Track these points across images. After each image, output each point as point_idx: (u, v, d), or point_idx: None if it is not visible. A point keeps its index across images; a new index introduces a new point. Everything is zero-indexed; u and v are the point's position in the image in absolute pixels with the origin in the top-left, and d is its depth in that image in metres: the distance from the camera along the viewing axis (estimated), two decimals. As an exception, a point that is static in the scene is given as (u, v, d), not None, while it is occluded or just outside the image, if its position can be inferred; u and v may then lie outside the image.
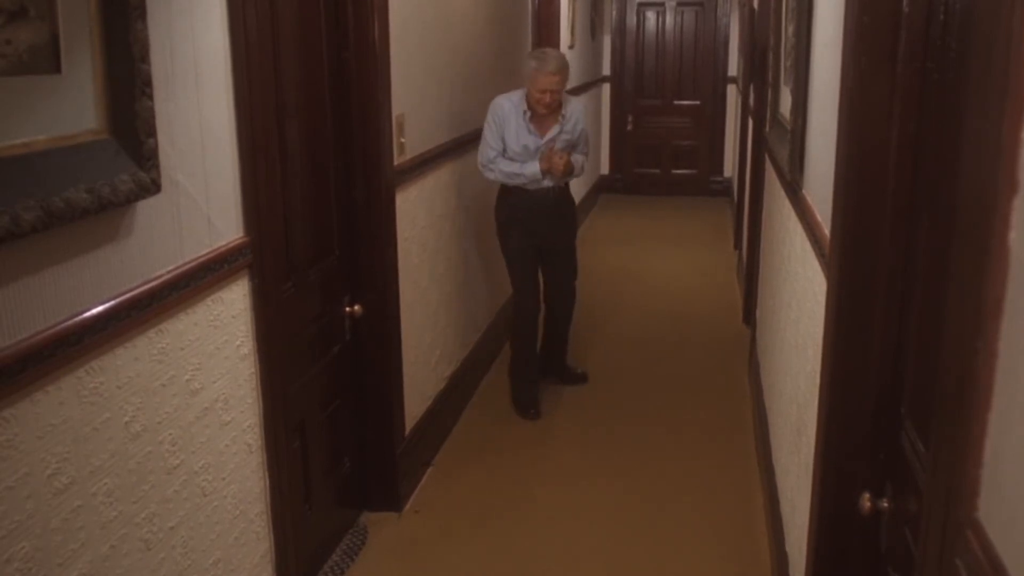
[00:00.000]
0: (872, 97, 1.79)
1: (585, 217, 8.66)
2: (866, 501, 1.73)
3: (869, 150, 1.81)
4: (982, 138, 0.91)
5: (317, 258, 3.01)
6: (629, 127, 10.10)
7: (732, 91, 9.68)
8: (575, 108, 4.34)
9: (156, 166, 1.80)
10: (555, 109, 4.18)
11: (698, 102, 10.03)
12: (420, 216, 3.73)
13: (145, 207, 1.85)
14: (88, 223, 1.67)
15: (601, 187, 9.89)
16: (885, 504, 1.74)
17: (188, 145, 2.01)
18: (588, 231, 8.41)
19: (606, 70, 9.99)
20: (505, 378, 4.91)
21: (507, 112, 4.17)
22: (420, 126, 3.65)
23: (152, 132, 1.78)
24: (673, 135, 10.14)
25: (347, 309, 3.24)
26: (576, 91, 8.04)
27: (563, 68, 4.08)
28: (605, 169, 10.14)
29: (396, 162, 3.36)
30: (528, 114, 4.15)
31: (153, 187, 1.80)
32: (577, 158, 4.33)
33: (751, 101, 5.98)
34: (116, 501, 1.80)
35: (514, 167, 4.19)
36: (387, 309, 3.35)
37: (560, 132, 4.22)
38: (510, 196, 4.31)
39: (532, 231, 4.32)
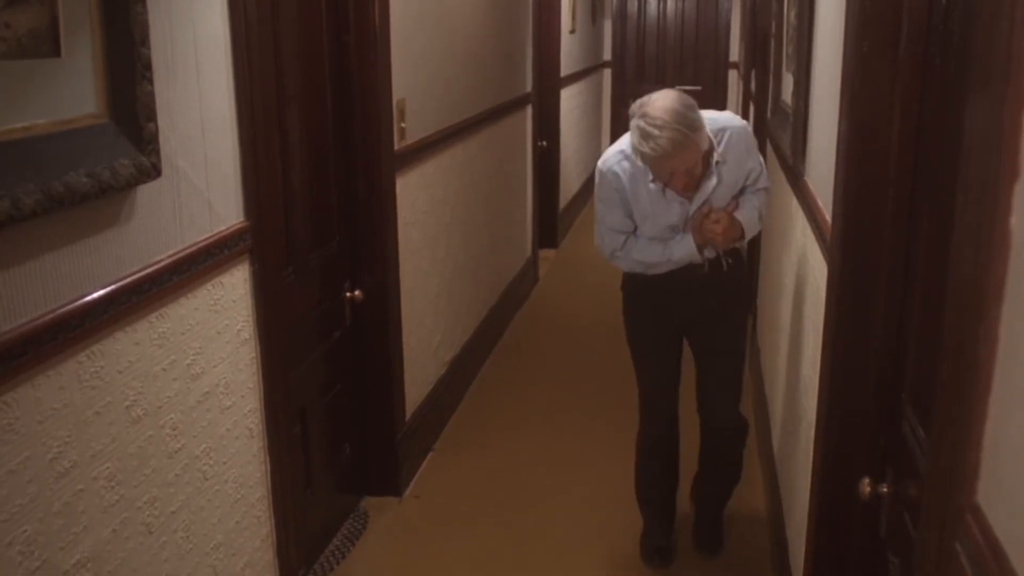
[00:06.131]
0: (874, 83, 1.79)
1: (585, 204, 8.65)
2: (866, 486, 1.73)
3: (871, 136, 1.80)
4: (984, 123, 0.91)
5: (317, 243, 3.01)
6: (630, 113, 10.07)
7: (733, 76, 9.65)
8: (733, 136, 2.72)
9: (156, 150, 1.80)
10: (699, 176, 2.67)
11: (699, 87, 9.99)
12: (421, 201, 3.72)
13: (145, 191, 1.84)
14: (88, 207, 1.67)
15: (602, 173, 9.87)
16: (885, 489, 1.75)
17: (188, 129, 2.01)
18: (587, 218, 8.40)
19: (607, 55, 9.97)
20: (507, 363, 4.92)
21: (628, 181, 2.72)
22: (421, 111, 3.64)
23: (152, 116, 1.78)
24: (674, 121, 10.11)
25: (347, 294, 3.24)
26: (577, 77, 8.03)
27: (682, 143, 2.49)
28: (606, 155, 10.13)
29: (397, 147, 3.35)
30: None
31: (153, 171, 1.80)
32: (749, 210, 2.76)
33: (752, 87, 5.96)
34: (117, 485, 1.81)
35: (655, 251, 2.76)
36: (387, 294, 3.35)
37: (718, 184, 2.70)
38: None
39: (668, 315, 2.94)
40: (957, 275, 0.99)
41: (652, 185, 2.67)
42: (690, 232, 2.73)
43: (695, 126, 2.51)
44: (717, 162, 2.67)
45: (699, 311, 2.91)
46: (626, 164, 2.71)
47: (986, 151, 0.89)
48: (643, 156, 2.55)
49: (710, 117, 2.66)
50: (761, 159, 2.83)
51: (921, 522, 1.07)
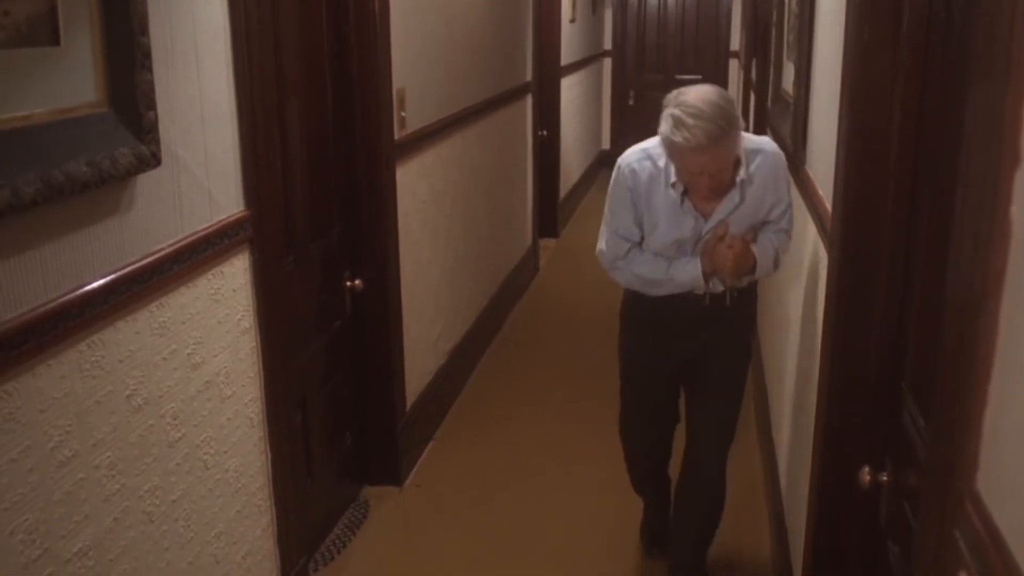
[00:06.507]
0: (875, 71, 1.79)
1: (585, 194, 8.65)
2: (866, 475, 1.74)
3: (872, 125, 1.80)
4: (985, 111, 0.91)
5: (318, 232, 3.01)
6: (631, 102, 10.06)
7: (734, 65, 9.64)
8: (766, 161, 2.52)
9: (156, 139, 1.80)
10: (725, 185, 2.48)
11: (700, 76, 9.97)
12: (421, 190, 3.72)
13: (145, 180, 1.84)
14: (89, 196, 1.67)
15: (602, 162, 9.85)
16: (885, 478, 1.75)
17: (188, 119, 2.01)
18: (587, 207, 8.40)
19: (607, 44, 9.94)
20: (507, 353, 4.92)
21: (646, 181, 2.52)
22: (421, 100, 3.63)
23: (152, 105, 1.78)
24: (675, 110, 10.08)
25: (348, 284, 3.24)
26: (577, 66, 8.01)
27: (719, 136, 2.28)
28: (606, 144, 10.11)
29: (397, 136, 3.35)
30: (682, 188, 2.48)
31: (153, 160, 1.80)
32: (766, 246, 2.56)
33: (753, 76, 5.95)
34: (119, 474, 1.81)
35: (658, 268, 2.56)
36: (388, 284, 3.35)
37: (740, 204, 2.50)
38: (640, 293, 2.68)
39: (666, 347, 2.72)
40: (957, 264, 0.99)
41: (671, 191, 2.48)
42: (699, 256, 2.52)
43: (733, 122, 2.31)
44: (742, 180, 2.46)
45: (697, 346, 2.67)
46: (647, 163, 2.51)
47: (987, 139, 0.89)
48: (673, 146, 2.32)
49: (746, 137, 2.49)
50: (790, 199, 2.60)
51: (921, 509, 1.07)
